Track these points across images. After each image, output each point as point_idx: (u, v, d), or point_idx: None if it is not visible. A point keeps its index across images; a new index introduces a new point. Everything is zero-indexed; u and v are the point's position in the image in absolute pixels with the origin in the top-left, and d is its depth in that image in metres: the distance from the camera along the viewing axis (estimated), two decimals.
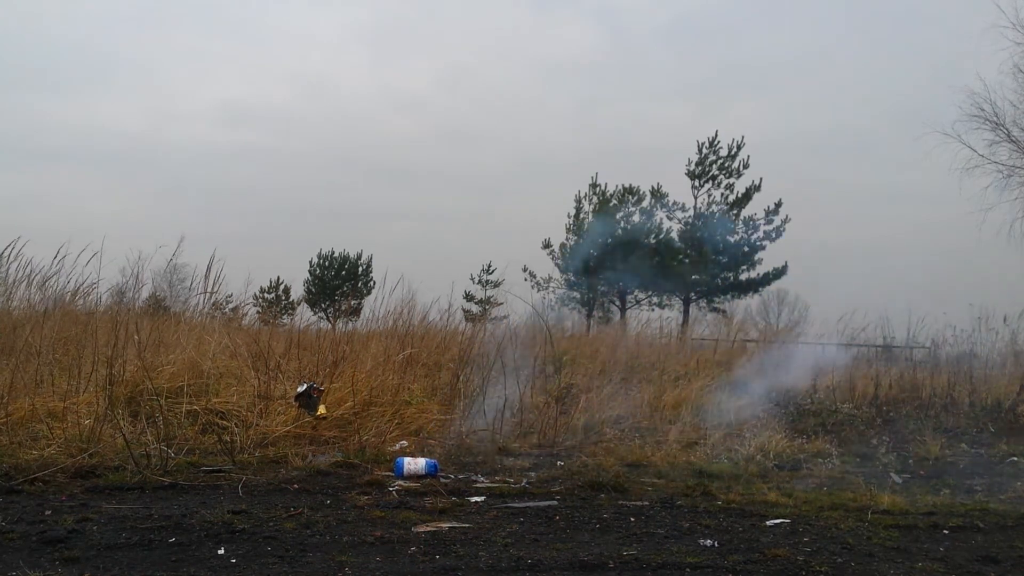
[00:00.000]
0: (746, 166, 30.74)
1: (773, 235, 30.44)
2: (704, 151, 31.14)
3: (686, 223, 31.06)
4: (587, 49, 65.51)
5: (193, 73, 68.82)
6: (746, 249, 30.37)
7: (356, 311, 16.25)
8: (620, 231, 29.81)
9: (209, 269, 7.83)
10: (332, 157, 64.93)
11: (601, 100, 61.61)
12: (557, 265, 31.57)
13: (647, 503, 4.80)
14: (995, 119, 18.37)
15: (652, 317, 23.54)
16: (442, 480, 5.32)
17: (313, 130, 65.66)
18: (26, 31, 62.96)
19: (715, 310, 30.00)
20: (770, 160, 56.08)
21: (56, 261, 7.58)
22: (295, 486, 4.92)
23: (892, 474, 6.17)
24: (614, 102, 60.36)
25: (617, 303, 31.31)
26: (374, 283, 38.02)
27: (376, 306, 9.50)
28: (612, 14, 65.52)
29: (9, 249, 7.56)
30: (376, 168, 64.34)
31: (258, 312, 18.23)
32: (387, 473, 5.47)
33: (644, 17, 66.29)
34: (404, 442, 6.38)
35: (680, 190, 34.36)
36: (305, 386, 6.56)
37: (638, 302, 31.45)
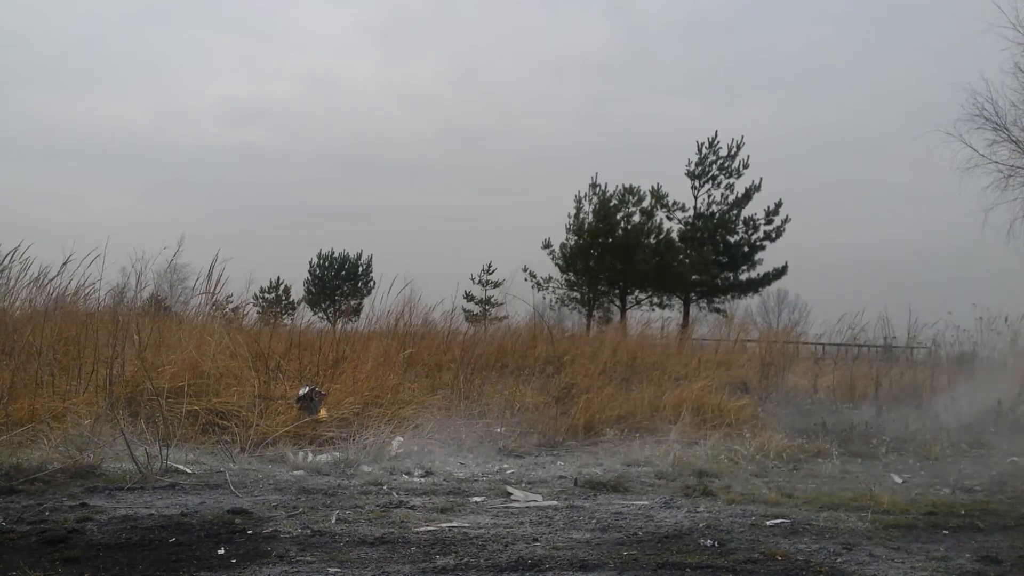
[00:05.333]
0: (746, 166, 30.71)
1: (773, 235, 30.42)
2: (704, 151, 31.12)
3: (686, 223, 31.03)
4: (598, 45, 65.37)
5: (198, 70, 68.61)
6: (746, 249, 30.35)
7: (356, 311, 16.27)
8: (620, 231, 29.77)
9: (212, 270, 7.85)
10: (337, 155, 64.92)
11: (611, 97, 61.58)
12: (557, 265, 31.54)
13: (647, 503, 4.80)
14: (996, 119, 18.32)
15: (652, 317, 23.54)
16: (444, 482, 5.32)
17: (319, 128, 65.55)
18: (29, 27, 62.89)
19: (715, 310, 29.97)
20: (778, 158, 56.08)
21: (62, 265, 7.56)
22: (295, 486, 4.92)
23: (892, 474, 6.17)
24: (624, 99, 60.31)
25: (617, 303, 31.29)
26: (374, 283, 38.01)
27: (377, 306, 9.52)
28: (624, 10, 65.40)
29: (12, 253, 7.55)
30: (381, 166, 64.36)
31: (258, 312, 18.22)
32: (387, 472, 5.48)
33: (657, 13, 66.21)
34: (400, 438, 6.37)
35: (681, 190, 34.35)
36: (307, 389, 6.58)
37: (638, 302, 31.42)
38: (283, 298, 33.66)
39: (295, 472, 5.38)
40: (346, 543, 3.64)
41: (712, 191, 31.00)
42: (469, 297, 32.24)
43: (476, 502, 4.68)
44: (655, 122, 58.31)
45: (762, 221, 30.46)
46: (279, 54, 68.97)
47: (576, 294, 31.44)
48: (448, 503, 4.58)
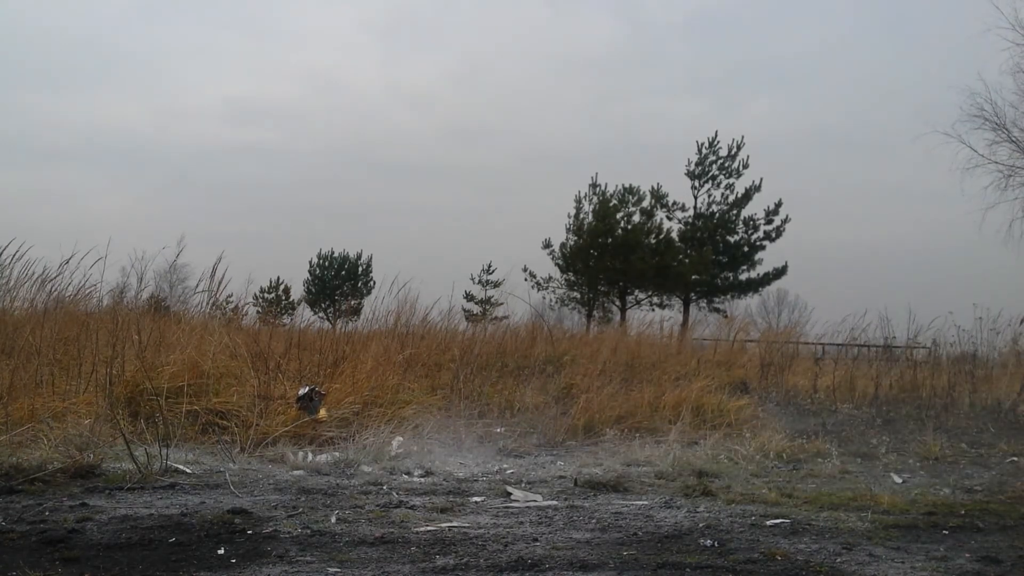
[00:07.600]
0: (746, 166, 30.76)
1: (773, 235, 30.44)
2: (704, 151, 31.14)
3: (686, 223, 31.04)
4: (601, 44, 65.53)
5: (199, 70, 68.76)
6: (746, 249, 30.37)
7: (356, 311, 16.28)
8: (620, 231, 29.77)
9: (215, 270, 7.84)
10: (338, 155, 65.00)
11: (613, 96, 61.73)
12: (557, 265, 31.55)
13: (647, 503, 4.80)
14: (996, 119, 18.37)
15: (652, 317, 23.56)
16: (444, 482, 5.32)
17: (320, 128, 65.65)
18: (30, 28, 62.92)
19: (715, 310, 30.01)
20: (779, 158, 56.21)
21: (62, 265, 7.54)
22: (295, 486, 4.92)
23: (892, 474, 6.17)
24: (626, 98, 60.47)
25: (617, 303, 31.31)
26: (374, 283, 38.08)
27: (377, 306, 9.53)
28: (627, 9, 65.56)
29: (14, 252, 7.55)
30: (382, 166, 64.45)
31: (258, 312, 18.23)
32: (387, 472, 5.48)
33: (660, 13, 66.39)
34: (400, 438, 6.37)
35: (681, 190, 34.36)
36: (307, 389, 6.58)
37: (638, 302, 31.44)
38: (283, 298, 33.70)
39: (295, 472, 5.38)
40: (346, 543, 3.64)
41: (712, 191, 31.05)
42: (469, 297, 32.30)
43: (476, 502, 4.68)
44: (656, 121, 58.52)
45: (762, 221, 30.51)
46: (281, 53, 69.11)
47: (576, 294, 31.47)
48: (448, 503, 4.58)
